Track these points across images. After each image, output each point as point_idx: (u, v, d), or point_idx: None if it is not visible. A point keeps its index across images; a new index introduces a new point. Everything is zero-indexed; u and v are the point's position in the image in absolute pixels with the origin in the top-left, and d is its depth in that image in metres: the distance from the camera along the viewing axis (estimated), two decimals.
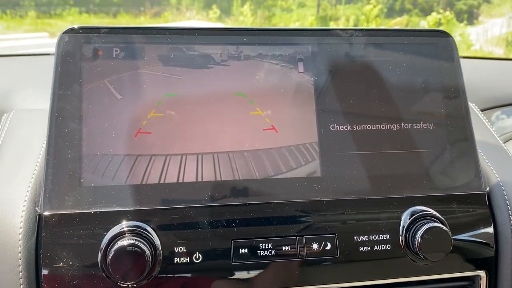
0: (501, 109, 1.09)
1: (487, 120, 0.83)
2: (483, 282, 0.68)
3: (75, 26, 0.66)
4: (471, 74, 1.08)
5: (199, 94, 0.66)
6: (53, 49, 0.65)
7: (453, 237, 0.65)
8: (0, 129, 0.74)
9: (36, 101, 0.84)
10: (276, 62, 0.69)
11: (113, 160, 0.62)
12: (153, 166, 0.63)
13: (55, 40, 0.65)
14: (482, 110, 0.88)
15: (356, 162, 0.67)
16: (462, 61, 0.74)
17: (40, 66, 0.99)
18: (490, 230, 0.69)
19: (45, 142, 0.68)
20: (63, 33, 0.65)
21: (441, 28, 0.78)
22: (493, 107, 1.08)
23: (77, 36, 0.65)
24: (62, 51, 0.64)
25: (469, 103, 0.79)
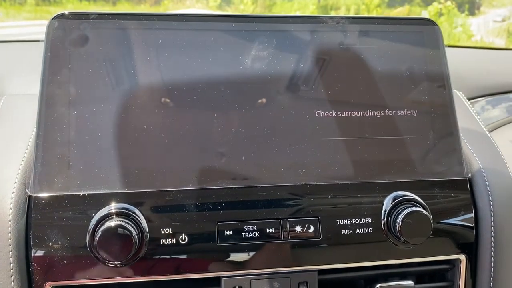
0: (488, 98, 1.10)
1: (472, 108, 0.85)
2: (463, 265, 0.70)
3: (65, 12, 0.67)
4: (458, 63, 1.09)
5: (188, 79, 0.67)
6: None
7: (435, 222, 0.67)
8: None
9: (28, 86, 0.85)
10: (263, 48, 0.70)
11: (101, 144, 0.64)
12: (141, 150, 0.65)
13: None
14: (469, 99, 0.89)
15: (340, 148, 0.69)
16: (449, 50, 0.75)
17: (33, 52, 1.00)
18: (471, 215, 0.70)
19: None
20: (52, 19, 0.66)
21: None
22: (480, 96, 1.09)
23: (66, 22, 0.66)
24: (51, 37, 0.65)
25: (455, 91, 0.80)
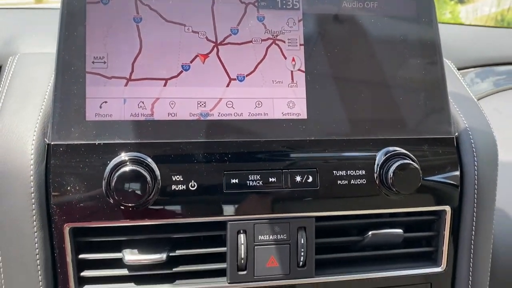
0: (475, 70, 1.15)
1: (460, 75, 0.90)
2: (448, 216, 0.76)
3: None
4: (447, 37, 1.15)
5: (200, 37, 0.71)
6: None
7: (423, 175, 0.72)
8: (7, 69, 0.78)
9: (40, 47, 0.88)
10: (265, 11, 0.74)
11: (116, 97, 0.68)
12: (153, 104, 0.69)
13: None
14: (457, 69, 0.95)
15: (338, 106, 0.74)
16: (439, 26, 0.80)
17: (49, 18, 1.02)
18: (457, 170, 0.76)
19: (51, 80, 0.74)
20: None
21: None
22: (468, 67, 1.15)
23: None
24: None
25: (445, 59, 0.86)
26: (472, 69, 1.15)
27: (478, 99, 1.09)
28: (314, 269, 0.72)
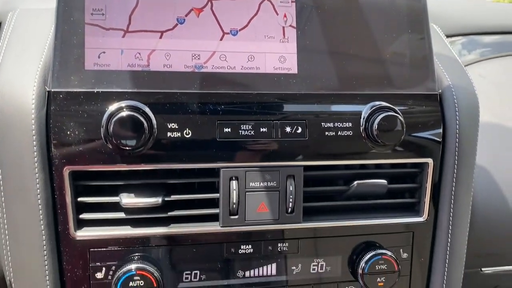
0: (462, 40, 1.19)
1: (446, 38, 0.93)
2: (430, 169, 0.80)
3: None
4: (435, 5, 1.18)
5: None
6: None
7: (407, 129, 0.76)
8: (7, 24, 0.81)
9: (39, 2, 0.90)
10: None
11: (114, 48, 0.71)
12: (149, 55, 0.72)
13: None
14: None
15: (328, 62, 0.77)
16: None
17: None
18: (439, 125, 0.80)
19: (51, 33, 0.76)
20: None
21: None
22: (455, 34, 1.18)
23: None
24: None
25: (432, 24, 0.89)
26: (460, 37, 1.18)
27: (465, 65, 1.13)
28: (301, 215, 0.76)
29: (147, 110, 0.69)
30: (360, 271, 0.77)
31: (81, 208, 0.72)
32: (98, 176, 0.71)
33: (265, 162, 0.74)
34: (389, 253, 0.78)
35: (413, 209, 0.83)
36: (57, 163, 0.68)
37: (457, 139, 0.80)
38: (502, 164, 1.01)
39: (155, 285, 0.70)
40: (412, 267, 0.83)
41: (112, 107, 0.69)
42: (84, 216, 0.72)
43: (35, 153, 0.67)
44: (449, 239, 0.82)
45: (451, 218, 0.82)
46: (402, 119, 0.75)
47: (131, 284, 0.70)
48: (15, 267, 0.70)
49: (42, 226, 0.68)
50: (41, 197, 0.68)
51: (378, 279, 0.78)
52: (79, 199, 0.71)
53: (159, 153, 0.71)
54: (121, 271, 0.70)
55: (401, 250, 0.82)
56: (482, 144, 0.84)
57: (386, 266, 0.77)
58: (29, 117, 0.67)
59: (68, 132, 0.68)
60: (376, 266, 0.77)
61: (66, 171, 0.69)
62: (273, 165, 0.74)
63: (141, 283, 0.70)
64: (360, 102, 0.77)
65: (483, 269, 1.00)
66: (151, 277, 0.70)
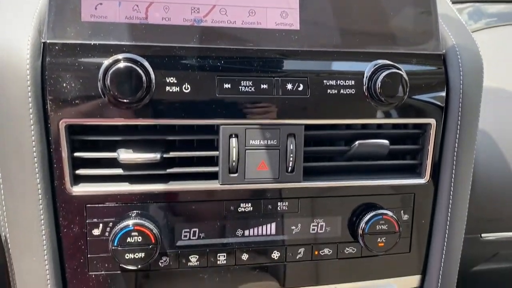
0: (468, 9, 1.17)
1: (451, 4, 0.92)
2: (433, 129, 0.79)
3: None
4: None
5: None
6: None
7: (410, 89, 0.75)
8: None
9: None
10: None
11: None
12: (148, 7, 0.70)
13: None
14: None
15: (330, 19, 0.75)
16: None
17: None
18: (443, 85, 0.79)
19: None
20: None
21: None
22: (461, 1, 1.16)
23: None
24: None
25: None
26: (466, 5, 1.16)
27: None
28: (302, 174, 0.75)
29: (145, 63, 0.68)
30: (360, 231, 0.77)
31: (77, 164, 0.71)
32: (95, 131, 0.70)
33: (266, 119, 0.73)
34: (390, 213, 0.77)
35: (415, 171, 0.82)
36: (52, 116, 0.67)
37: (460, 100, 0.79)
38: (504, 129, 1.00)
39: (153, 242, 0.69)
40: (413, 229, 0.82)
41: (110, 59, 0.67)
42: (81, 171, 0.70)
43: (30, 104, 0.65)
44: (450, 202, 0.82)
45: (452, 180, 0.81)
46: (405, 76, 0.73)
47: (128, 240, 0.69)
48: (10, 222, 0.69)
49: (37, 180, 0.67)
50: (36, 150, 0.66)
51: (379, 239, 0.77)
52: (76, 154, 0.69)
53: (157, 108, 0.69)
54: (118, 227, 0.69)
55: (402, 212, 0.81)
56: (485, 109, 0.83)
57: (387, 227, 0.77)
58: (24, 67, 0.65)
59: (64, 84, 0.67)
60: (377, 226, 0.76)
61: (62, 124, 0.67)
62: (274, 123, 0.73)
63: (139, 239, 0.69)
64: (363, 60, 0.76)
65: (483, 235, 1.00)
66: (149, 233, 0.69)
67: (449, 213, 0.82)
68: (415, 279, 0.86)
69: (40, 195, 0.68)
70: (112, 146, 0.71)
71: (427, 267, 0.85)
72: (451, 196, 0.82)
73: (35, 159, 0.67)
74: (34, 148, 0.66)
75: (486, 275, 1.17)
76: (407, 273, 0.85)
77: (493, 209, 0.97)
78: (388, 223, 0.77)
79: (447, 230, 0.83)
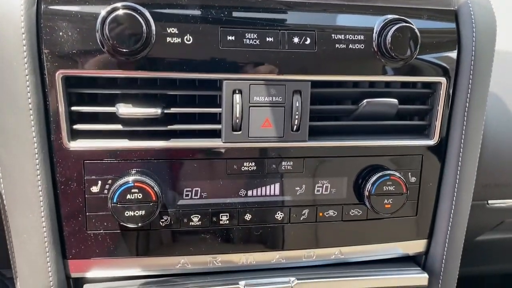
0: None
1: None
2: (443, 89, 0.76)
3: None
4: None
5: None
6: None
7: (421, 46, 0.71)
8: None
9: None
10: None
11: None
12: None
13: None
14: None
15: None
16: None
17: None
18: (455, 42, 0.76)
19: None
20: None
21: None
22: None
23: None
24: None
25: None
26: None
27: None
28: (307, 133, 0.72)
29: (145, 12, 0.64)
30: (366, 192, 0.75)
31: (75, 119, 0.68)
32: (93, 84, 0.67)
33: (271, 74, 0.70)
34: (397, 174, 0.75)
35: (423, 132, 0.80)
36: (49, 66, 0.64)
37: (472, 58, 0.76)
38: None
39: (154, 199, 0.67)
40: (420, 192, 0.80)
41: (109, 6, 0.63)
42: (79, 126, 0.68)
43: (25, 53, 0.62)
44: (459, 164, 0.79)
45: (462, 142, 0.79)
46: (417, 31, 0.70)
47: (128, 197, 0.66)
48: (5, 178, 0.67)
49: (33, 133, 0.64)
50: (32, 101, 0.64)
51: (385, 201, 0.75)
52: (73, 108, 0.67)
53: (157, 60, 0.66)
54: (117, 184, 0.67)
55: (409, 173, 0.79)
56: (495, 75, 0.80)
57: (394, 188, 0.75)
58: (18, 13, 0.62)
59: (61, 33, 0.63)
60: (384, 187, 0.74)
61: (59, 75, 0.64)
62: (279, 79, 0.70)
63: (139, 195, 0.66)
64: (373, 14, 0.72)
65: (489, 201, 0.98)
66: (150, 190, 0.67)
67: (457, 177, 0.80)
68: (421, 243, 0.84)
69: (36, 149, 0.65)
70: (111, 101, 0.68)
71: (434, 232, 0.83)
72: (460, 158, 0.79)
73: (31, 111, 0.64)
74: (29, 100, 0.63)
75: (490, 245, 1.16)
76: (413, 237, 0.83)
77: (501, 174, 0.95)
78: (395, 184, 0.75)
79: (455, 194, 0.81)
